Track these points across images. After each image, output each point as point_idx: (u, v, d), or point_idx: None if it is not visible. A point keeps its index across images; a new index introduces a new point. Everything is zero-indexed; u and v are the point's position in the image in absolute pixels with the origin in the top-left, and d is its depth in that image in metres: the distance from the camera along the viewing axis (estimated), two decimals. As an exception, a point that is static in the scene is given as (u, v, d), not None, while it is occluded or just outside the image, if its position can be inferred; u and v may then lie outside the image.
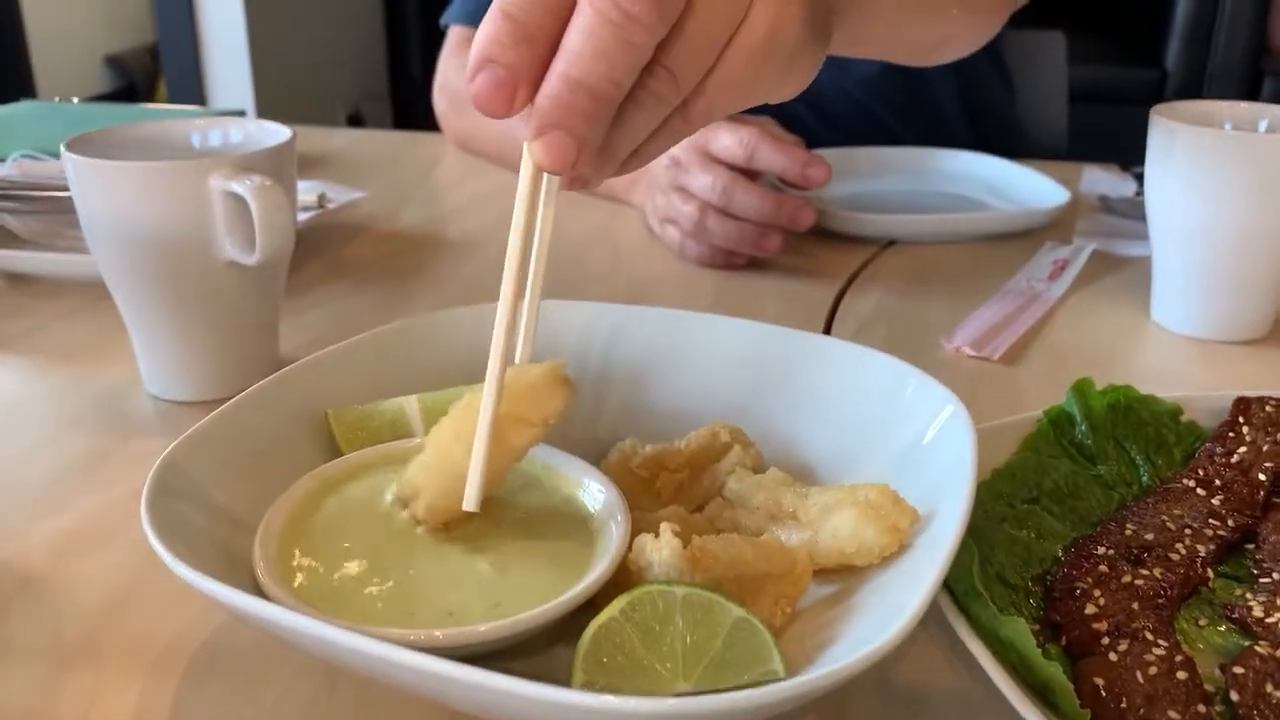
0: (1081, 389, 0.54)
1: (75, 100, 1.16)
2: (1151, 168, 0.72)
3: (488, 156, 1.14)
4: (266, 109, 3.30)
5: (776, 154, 0.82)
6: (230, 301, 0.60)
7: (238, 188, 0.56)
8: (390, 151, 1.23)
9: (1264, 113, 0.74)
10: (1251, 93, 3.54)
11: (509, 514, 0.43)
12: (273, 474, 0.43)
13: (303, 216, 0.84)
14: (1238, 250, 0.70)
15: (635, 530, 0.41)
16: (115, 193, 0.57)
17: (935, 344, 0.72)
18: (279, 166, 0.59)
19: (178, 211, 0.57)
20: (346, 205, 0.88)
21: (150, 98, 5.23)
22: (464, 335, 0.54)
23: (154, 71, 3.99)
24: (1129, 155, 1.20)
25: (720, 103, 0.41)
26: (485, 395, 0.40)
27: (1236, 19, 3.47)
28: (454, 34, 1.18)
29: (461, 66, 1.15)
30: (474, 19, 1.16)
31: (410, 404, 0.48)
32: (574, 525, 0.42)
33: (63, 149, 0.58)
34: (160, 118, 1.07)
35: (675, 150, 0.87)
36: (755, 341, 0.53)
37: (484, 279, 0.84)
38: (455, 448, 0.40)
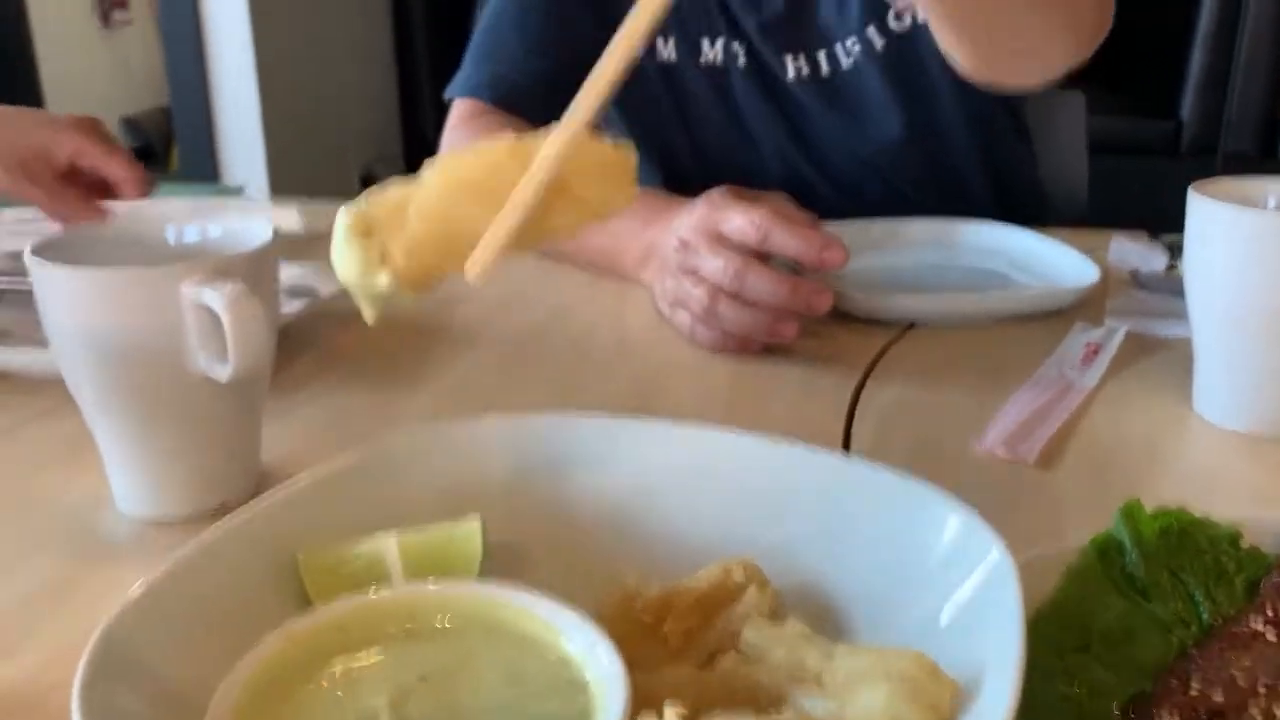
0: (1130, 513, 0.49)
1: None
2: (1191, 251, 0.68)
3: None
4: (278, 171, 3.29)
5: (790, 237, 0.78)
6: (205, 416, 0.56)
7: (209, 298, 0.51)
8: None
9: (1310, 191, 0.70)
10: (1269, 143, 3.51)
11: (496, 676, 0.38)
12: (233, 635, 0.38)
13: (296, 305, 0.80)
14: (1288, 341, 0.65)
15: (638, 698, 0.36)
16: (79, 301, 0.53)
17: (965, 444, 0.67)
18: (258, 270, 0.55)
19: (146, 322, 0.53)
20: (342, 292, 0.84)
21: (166, 159, 5.27)
22: (454, 459, 0.50)
23: (170, 132, 4.01)
24: (1147, 208, 1.16)
25: None
26: (557, 135, 0.33)
27: (1251, 69, 3.44)
28: (459, 107, 1.15)
29: (465, 139, 1.12)
30: (478, 92, 1.13)
31: (389, 546, 0.43)
32: (568, 699, 0.37)
33: (27, 253, 0.55)
34: (155, 195, 1.03)
35: (684, 232, 0.83)
36: (773, 463, 0.49)
37: (480, 372, 0.80)
38: (469, 195, 0.33)
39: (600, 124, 1.27)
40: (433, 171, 0.34)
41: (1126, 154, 3.50)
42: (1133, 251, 1.03)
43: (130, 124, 5.70)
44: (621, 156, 0.35)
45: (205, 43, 3.14)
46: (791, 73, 1.08)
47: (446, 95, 1.17)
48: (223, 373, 0.53)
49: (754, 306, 0.79)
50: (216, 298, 0.51)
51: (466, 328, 0.88)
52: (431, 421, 0.53)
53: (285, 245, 1.07)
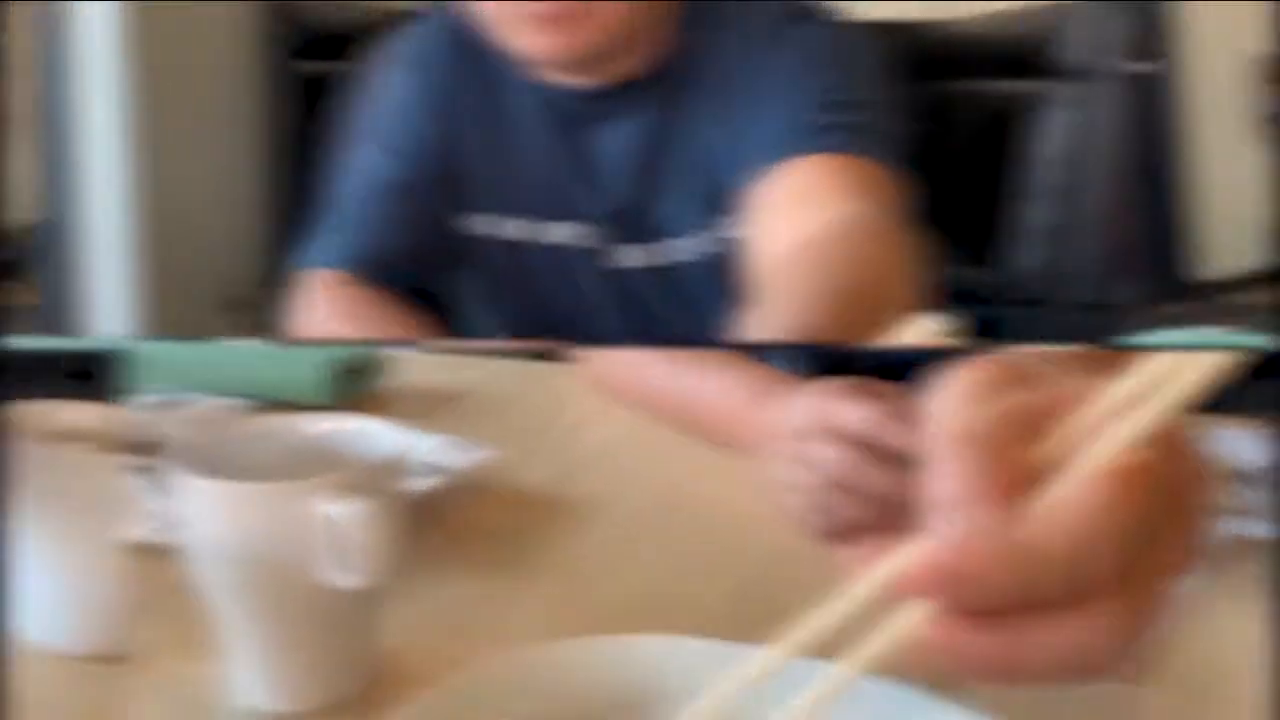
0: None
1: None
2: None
3: None
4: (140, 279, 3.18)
5: (902, 436, 0.77)
6: (326, 619, 0.59)
7: (338, 514, 0.55)
8: (523, 385, 1.23)
9: None
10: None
11: None
12: None
13: (428, 482, 0.83)
14: None
15: None
16: (212, 510, 0.57)
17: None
18: (386, 481, 0.59)
19: (275, 531, 0.56)
20: (469, 469, 0.88)
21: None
22: (556, 683, 0.51)
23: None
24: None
25: None
26: None
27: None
28: (316, 276, 1.06)
29: (330, 309, 1.04)
30: (341, 263, 1.06)
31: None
32: None
33: (163, 459, 0.59)
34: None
35: (799, 419, 0.83)
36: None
37: (599, 554, 0.82)
38: None
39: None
40: None
41: None
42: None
43: None
44: None
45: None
46: (630, 261, 1.09)
47: (302, 265, 1.08)
48: (347, 582, 0.56)
49: (865, 500, 0.79)
50: (345, 513, 0.54)
51: (591, 505, 0.90)
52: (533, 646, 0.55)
53: (421, 408, 1.12)
